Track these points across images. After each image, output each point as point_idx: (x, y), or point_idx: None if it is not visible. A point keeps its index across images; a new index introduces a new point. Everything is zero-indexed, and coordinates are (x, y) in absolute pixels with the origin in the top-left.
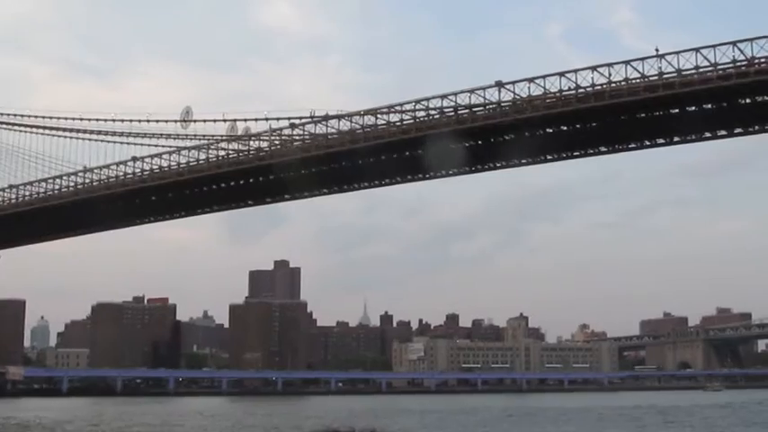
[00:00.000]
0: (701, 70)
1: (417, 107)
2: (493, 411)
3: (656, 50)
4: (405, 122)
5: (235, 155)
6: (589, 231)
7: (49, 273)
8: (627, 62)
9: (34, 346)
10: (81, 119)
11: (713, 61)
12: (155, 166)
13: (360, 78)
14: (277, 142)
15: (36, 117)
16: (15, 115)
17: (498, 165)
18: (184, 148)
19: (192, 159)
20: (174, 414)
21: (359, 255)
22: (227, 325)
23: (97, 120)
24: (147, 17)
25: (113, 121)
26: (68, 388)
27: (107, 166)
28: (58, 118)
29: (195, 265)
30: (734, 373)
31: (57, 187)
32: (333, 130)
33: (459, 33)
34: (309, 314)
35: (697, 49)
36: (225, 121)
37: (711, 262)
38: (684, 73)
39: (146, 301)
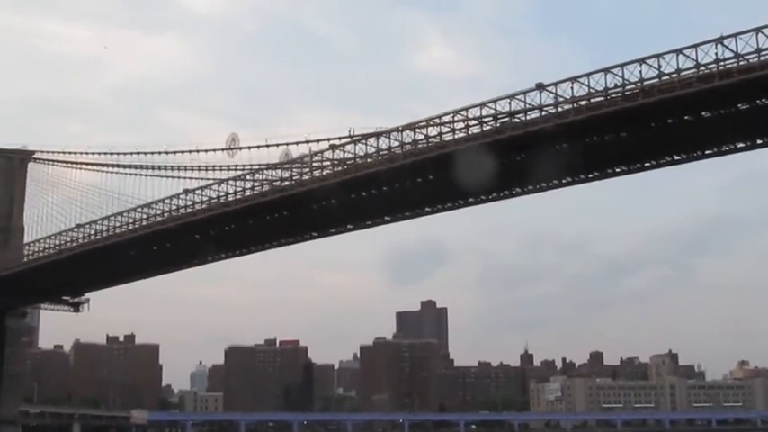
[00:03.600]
0: (764, 53)
1: (456, 118)
2: None
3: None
4: (443, 135)
5: (278, 182)
6: (759, 261)
7: (204, 318)
8: (679, 51)
9: (190, 391)
10: (137, 153)
11: None
12: (204, 198)
13: None
14: (315, 165)
15: (97, 154)
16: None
17: (563, 182)
18: (231, 178)
19: (239, 189)
20: None
21: (518, 294)
22: None
23: (152, 153)
24: (299, 66)
25: (165, 153)
26: None
27: (162, 201)
28: (118, 154)
29: (355, 307)
30: None
31: (117, 224)
32: (372, 150)
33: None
34: (446, 355)
35: (758, 30)
36: (268, 146)
37: None
38: (747, 57)
39: (277, 344)
